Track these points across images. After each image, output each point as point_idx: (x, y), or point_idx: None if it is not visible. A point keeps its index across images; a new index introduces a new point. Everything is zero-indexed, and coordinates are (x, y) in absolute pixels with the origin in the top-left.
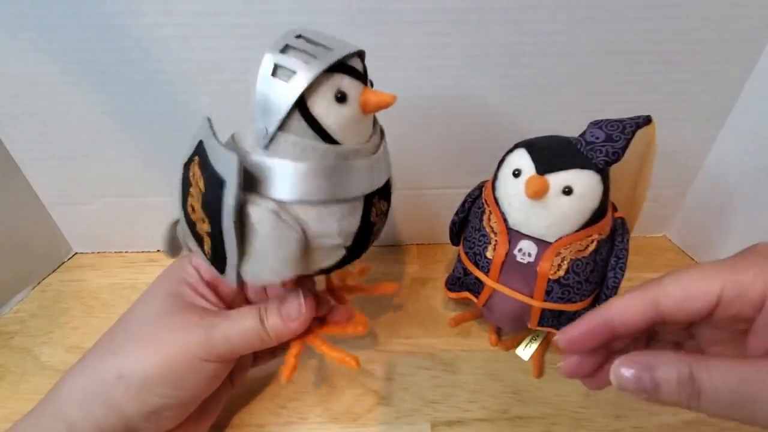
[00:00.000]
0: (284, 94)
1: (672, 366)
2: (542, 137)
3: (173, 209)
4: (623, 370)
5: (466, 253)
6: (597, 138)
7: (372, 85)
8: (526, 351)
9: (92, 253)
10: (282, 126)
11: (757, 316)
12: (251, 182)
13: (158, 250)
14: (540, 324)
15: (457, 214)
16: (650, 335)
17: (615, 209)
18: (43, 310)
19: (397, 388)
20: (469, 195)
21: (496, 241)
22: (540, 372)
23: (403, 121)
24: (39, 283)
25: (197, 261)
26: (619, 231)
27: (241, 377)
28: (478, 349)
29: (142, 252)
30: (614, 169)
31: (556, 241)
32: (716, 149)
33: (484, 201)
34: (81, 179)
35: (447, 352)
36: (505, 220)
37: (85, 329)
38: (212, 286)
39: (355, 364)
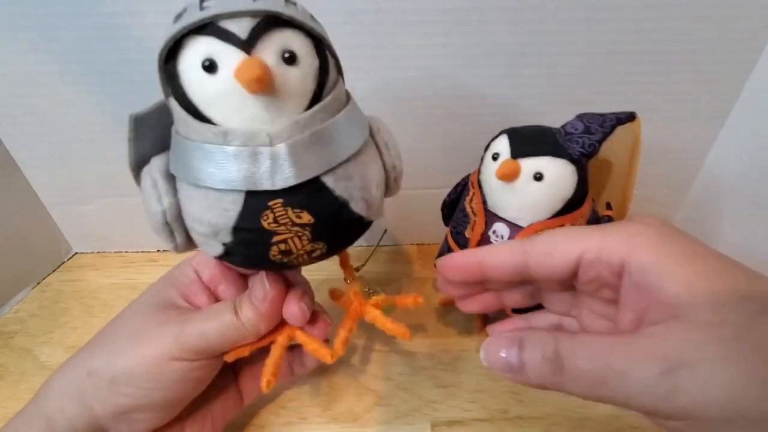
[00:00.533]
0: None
1: (538, 343)
2: (528, 126)
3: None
4: (493, 349)
5: (451, 233)
6: (576, 129)
7: (288, 62)
8: None
9: (92, 253)
10: (167, 91)
11: (620, 285)
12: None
13: (158, 250)
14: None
15: (449, 195)
16: (538, 306)
17: (609, 207)
18: (43, 310)
19: (396, 388)
20: (462, 179)
21: (474, 221)
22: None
23: (402, 120)
24: (39, 283)
25: (198, 261)
26: None
27: (254, 390)
28: (478, 349)
29: (142, 252)
30: (609, 168)
31: (528, 226)
32: (716, 149)
33: (470, 183)
34: (81, 179)
35: (447, 352)
36: (485, 202)
37: (85, 329)
38: (210, 288)
39: (330, 358)
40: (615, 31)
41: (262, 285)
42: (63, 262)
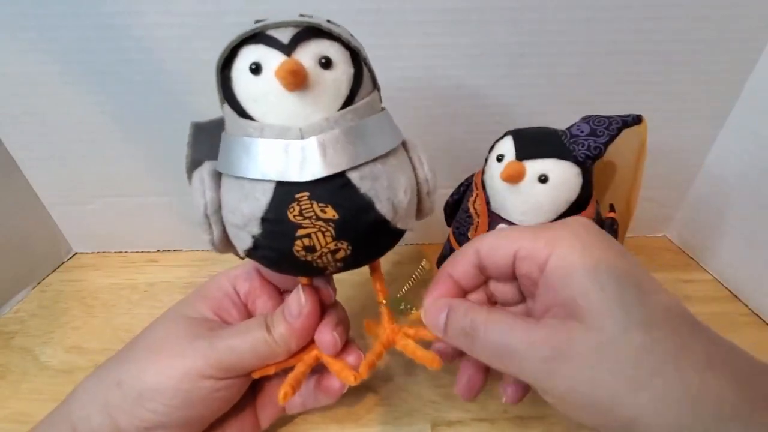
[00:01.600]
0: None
1: (461, 314)
2: (533, 127)
3: (173, 209)
4: (430, 310)
5: (454, 233)
6: (582, 131)
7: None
8: None
9: (92, 253)
10: (221, 96)
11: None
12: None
13: (158, 250)
14: None
15: (452, 195)
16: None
17: (613, 209)
18: (43, 310)
19: (397, 388)
20: (465, 179)
21: (477, 222)
22: None
23: (403, 120)
24: (39, 283)
25: (236, 275)
26: (606, 231)
27: (271, 415)
28: None
29: (142, 252)
30: (613, 170)
31: None
32: (716, 149)
33: (474, 184)
34: (81, 179)
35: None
36: (488, 203)
37: (86, 329)
38: (246, 303)
39: (353, 380)
40: (615, 31)
41: (297, 300)
42: (63, 262)
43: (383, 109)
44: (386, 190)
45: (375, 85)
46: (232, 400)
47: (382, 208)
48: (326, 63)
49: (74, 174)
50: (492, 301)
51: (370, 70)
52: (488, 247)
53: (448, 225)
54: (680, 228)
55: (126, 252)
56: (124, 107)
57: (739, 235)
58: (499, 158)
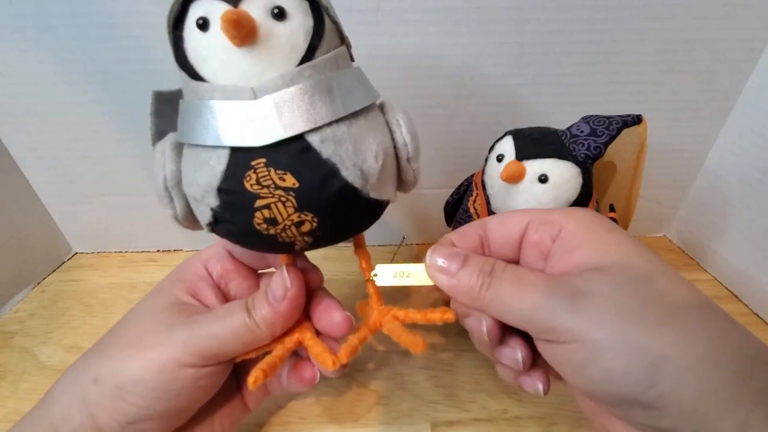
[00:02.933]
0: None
1: (480, 260)
2: (533, 127)
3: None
4: (439, 253)
5: None
6: (582, 131)
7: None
8: None
9: (92, 253)
10: (174, 59)
11: (551, 248)
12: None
13: (158, 250)
14: None
15: (452, 195)
16: None
17: (613, 209)
18: (43, 310)
19: (396, 388)
20: (466, 179)
21: None
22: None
23: None
24: (39, 283)
25: (207, 257)
26: None
27: (259, 397)
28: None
29: (142, 252)
30: (613, 169)
31: None
32: (716, 149)
33: (474, 184)
34: (81, 179)
35: (447, 352)
36: (488, 203)
37: (85, 329)
38: (220, 285)
39: (330, 364)
40: (615, 31)
41: (282, 281)
42: (63, 262)
43: (352, 65)
44: (352, 156)
45: (343, 41)
46: (216, 387)
47: (349, 174)
48: (279, 13)
49: (74, 174)
50: None
51: (335, 22)
52: (497, 220)
53: (448, 225)
54: (680, 228)
55: (125, 252)
56: (123, 107)
57: (739, 235)
58: (499, 158)
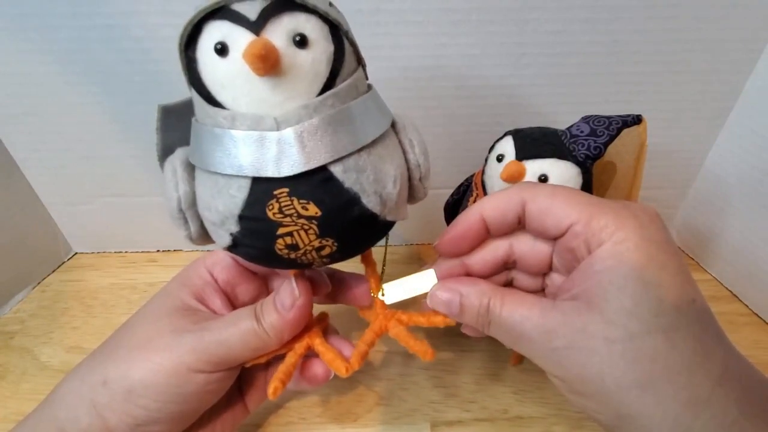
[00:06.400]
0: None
1: (476, 296)
2: (532, 127)
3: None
4: (437, 295)
5: None
6: (582, 132)
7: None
8: None
9: (92, 253)
10: (187, 80)
11: (582, 258)
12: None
13: (158, 250)
14: None
15: (452, 195)
16: (508, 281)
17: None
18: (43, 310)
19: (397, 388)
20: (466, 179)
21: None
22: (517, 360)
23: None
24: (39, 283)
25: (212, 262)
26: None
27: (258, 399)
28: (478, 349)
29: (142, 252)
30: (613, 170)
31: None
32: (716, 149)
33: (474, 184)
34: (81, 179)
35: (447, 352)
36: None
37: (85, 329)
38: (226, 291)
39: (344, 371)
40: (615, 31)
41: (290, 291)
42: (63, 262)
43: (370, 87)
44: (373, 183)
45: (359, 62)
46: (223, 391)
47: (369, 202)
48: (301, 41)
49: (74, 174)
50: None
51: (353, 45)
52: (542, 207)
53: (448, 225)
54: (680, 228)
55: (126, 252)
56: (124, 107)
57: (739, 235)
58: (499, 158)
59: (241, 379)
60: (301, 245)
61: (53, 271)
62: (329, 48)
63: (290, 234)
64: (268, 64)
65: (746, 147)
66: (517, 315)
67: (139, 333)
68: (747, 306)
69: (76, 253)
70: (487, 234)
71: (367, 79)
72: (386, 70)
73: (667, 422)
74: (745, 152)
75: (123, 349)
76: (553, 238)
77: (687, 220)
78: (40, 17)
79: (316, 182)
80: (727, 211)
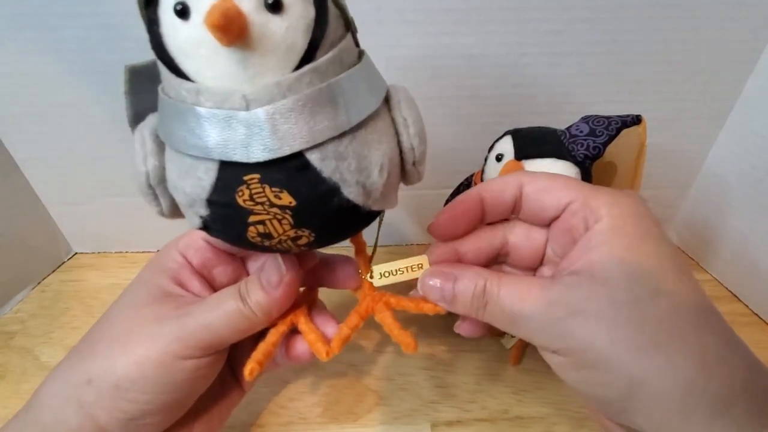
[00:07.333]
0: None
1: (471, 280)
2: (532, 127)
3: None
4: (429, 279)
5: None
6: (581, 131)
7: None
8: (506, 339)
9: (92, 253)
10: (150, 44)
11: (581, 236)
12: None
13: (158, 251)
14: None
15: (452, 195)
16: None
17: None
18: (43, 310)
19: (396, 388)
20: (465, 179)
21: None
22: (517, 360)
23: None
24: (39, 283)
25: (185, 245)
26: None
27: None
28: (478, 349)
29: (142, 252)
30: (613, 170)
31: None
32: (716, 149)
33: (473, 184)
34: (81, 179)
35: (447, 352)
36: None
37: (85, 329)
38: (202, 274)
39: (324, 355)
40: (615, 31)
41: (277, 268)
42: (63, 262)
43: (361, 56)
44: (355, 173)
45: (348, 28)
46: (215, 375)
47: (350, 192)
48: (274, 4)
49: (74, 174)
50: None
51: (340, 7)
52: (541, 186)
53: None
54: (680, 228)
55: (126, 252)
56: (124, 107)
57: (739, 235)
58: (499, 158)
59: (233, 359)
60: (275, 234)
61: (53, 271)
62: (309, 12)
63: (262, 222)
64: (232, 32)
65: (746, 147)
66: (516, 293)
67: (118, 325)
68: (747, 306)
69: (76, 253)
70: (482, 218)
71: (358, 46)
72: (386, 69)
73: (679, 386)
74: (745, 152)
75: (103, 344)
76: (549, 221)
77: (687, 220)
78: (40, 17)
79: (290, 170)
80: (727, 211)
